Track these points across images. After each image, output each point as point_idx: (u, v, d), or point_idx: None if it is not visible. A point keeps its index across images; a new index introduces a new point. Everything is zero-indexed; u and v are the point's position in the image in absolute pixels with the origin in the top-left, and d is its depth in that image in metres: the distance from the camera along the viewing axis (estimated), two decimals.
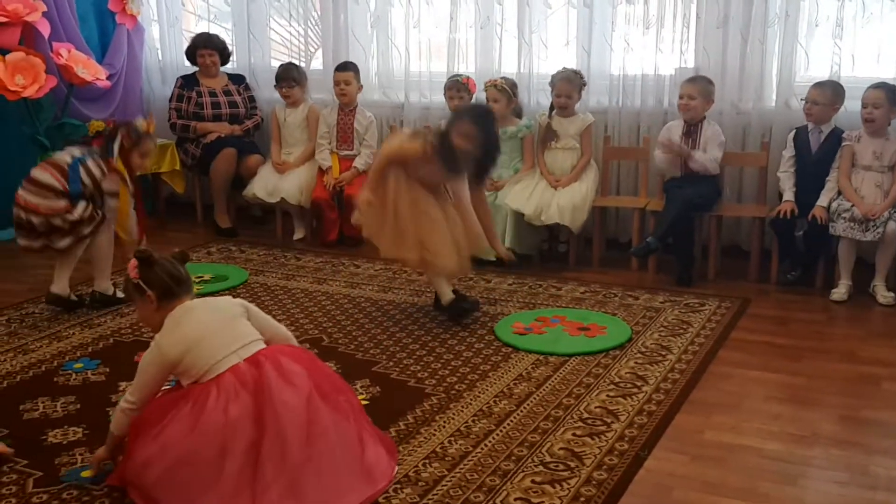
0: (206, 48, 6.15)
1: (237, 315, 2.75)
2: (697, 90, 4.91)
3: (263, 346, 2.72)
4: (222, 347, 2.62)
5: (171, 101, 6.21)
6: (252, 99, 6.35)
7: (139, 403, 2.65)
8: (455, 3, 5.79)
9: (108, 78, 6.16)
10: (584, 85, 5.27)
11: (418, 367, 3.68)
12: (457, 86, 5.48)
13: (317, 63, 6.36)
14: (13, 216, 4.21)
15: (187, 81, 6.20)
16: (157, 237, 5.96)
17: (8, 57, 5.53)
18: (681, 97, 4.96)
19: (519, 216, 5.10)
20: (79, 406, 3.33)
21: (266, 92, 6.41)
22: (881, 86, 4.56)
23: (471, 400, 3.36)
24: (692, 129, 4.98)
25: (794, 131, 4.86)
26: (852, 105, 4.75)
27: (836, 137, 4.73)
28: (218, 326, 2.68)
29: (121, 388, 3.44)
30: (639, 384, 3.50)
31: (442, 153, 3.99)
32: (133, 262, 2.72)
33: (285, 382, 2.59)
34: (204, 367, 2.59)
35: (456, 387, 3.48)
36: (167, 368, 2.64)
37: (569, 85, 5.21)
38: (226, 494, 2.47)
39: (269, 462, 2.49)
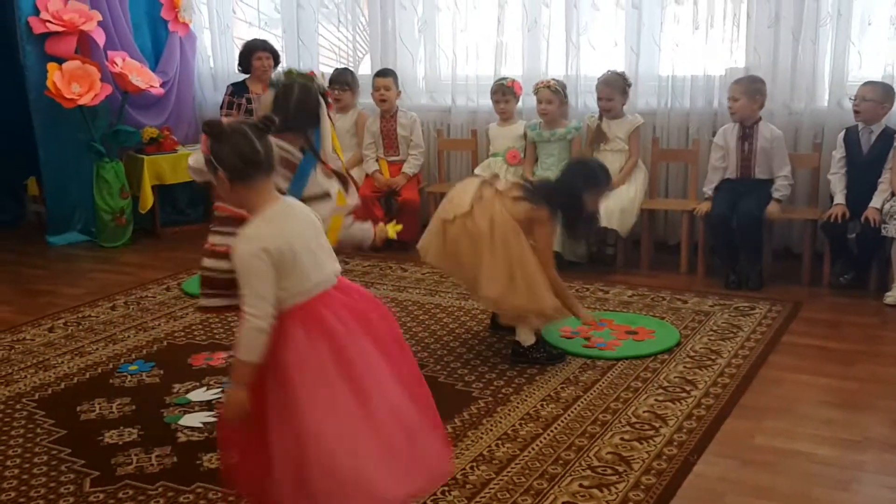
0: (263, 50, 6.21)
1: (321, 231, 2.48)
2: (740, 90, 4.84)
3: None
4: (320, 265, 2.36)
5: (221, 108, 6.30)
6: None
7: (264, 312, 2.21)
8: (502, 6, 5.81)
9: (161, 85, 6.28)
10: (629, 86, 5.25)
11: (465, 371, 3.70)
12: (502, 89, 5.50)
13: (364, 68, 6.41)
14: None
15: (237, 89, 6.28)
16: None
17: (64, 65, 5.68)
18: (728, 99, 4.91)
19: None
20: (134, 407, 3.40)
21: None
22: None
23: (518, 403, 3.37)
24: (748, 132, 4.90)
25: (845, 131, 4.78)
26: None
27: (887, 137, 4.64)
28: (314, 237, 2.39)
29: (174, 391, 3.52)
30: (688, 388, 3.48)
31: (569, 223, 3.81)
32: (203, 135, 2.36)
33: (378, 315, 2.45)
34: (308, 282, 2.29)
35: (503, 390, 3.49)
36: (273, 262, 2.22)
37: (609, 87, 5.20)
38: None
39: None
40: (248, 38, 6.53)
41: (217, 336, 4.17)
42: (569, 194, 3.75)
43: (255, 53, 6.19)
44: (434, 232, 3.84)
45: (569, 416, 3.26)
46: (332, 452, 2.17)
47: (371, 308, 2.45)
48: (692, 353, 3.85)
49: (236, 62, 6.35)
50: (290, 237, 2.28)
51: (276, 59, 6.27)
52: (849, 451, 2.98)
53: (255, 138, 2.31)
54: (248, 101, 6.22)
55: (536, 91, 5.34)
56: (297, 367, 2.22)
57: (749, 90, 4.84)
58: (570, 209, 3.75)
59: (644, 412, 3.27)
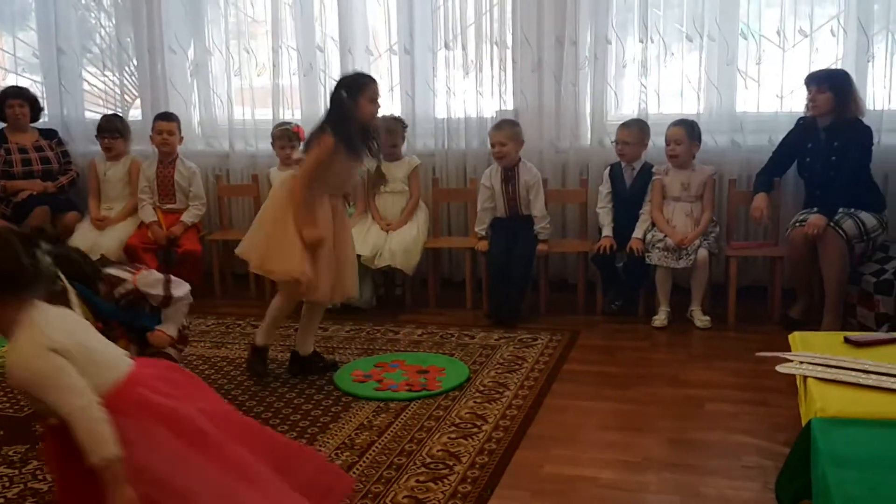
0: (16, 98, 5.87)
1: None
2: (506, 136, 5.03)
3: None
4: (111, 350, 2.26)
5: None
6: (66, 154, 6.07)
7: (88, 399, 2.03)
8: (276, 50, 5.78)
9: None
10: (405, 128, 5.38)
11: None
12: (287, 134, 5.44)
13: (135, 113, 6.17)
14: None
15: None
16: None
17: None
18: (492, 145, 5.08)
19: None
20: None
21: (81, 145, 6.16)
22: (681, 123, 4.87)
23: None
24: (509, 174, 5.10)
25: (609, 168, 5.10)
26: (660, 140, 5.02)
27: (647, 171, 4.99)
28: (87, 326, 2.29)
29: None
30: (479, 423, 3.55)
31: (345, 136, 3.87)
32: None
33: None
34: (110, 371, 2.16)
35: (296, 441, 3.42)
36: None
37: (389, 131, 5.28)
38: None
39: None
40: (4, 85, 6.15)
41: None
42: (335, 106, 3.92)
43: (6, 101, 5.85)
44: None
45: (364, 462, 3.23)
46: None
47: (173, 370, 2.43)
48: (481, 388, 3.94)
49: None
50: (75, 335, 2.15)
51: (33, 107, 5.94)
52: (631, 473, 3.13)
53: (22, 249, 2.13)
54: (7, 151, 5.83)
55: None
56: (152, 461, 2.11)
57: (513, 134, 5.04)
58: (339, 120, 3.88)
59: (438, 451, 3.30)
